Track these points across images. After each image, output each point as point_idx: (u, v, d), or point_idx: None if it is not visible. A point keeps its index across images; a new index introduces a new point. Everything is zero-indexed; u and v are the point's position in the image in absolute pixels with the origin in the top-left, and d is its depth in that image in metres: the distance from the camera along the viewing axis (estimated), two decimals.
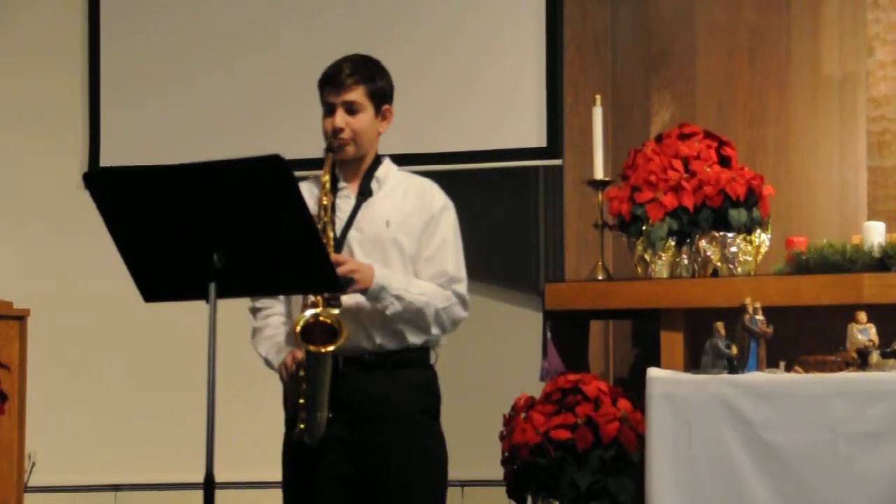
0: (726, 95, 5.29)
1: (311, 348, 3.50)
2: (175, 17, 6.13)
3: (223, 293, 3.28)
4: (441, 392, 3.75)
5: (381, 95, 3.72)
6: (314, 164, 5.69)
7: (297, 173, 3.28)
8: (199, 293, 3.29)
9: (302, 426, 3.57)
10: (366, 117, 3.69)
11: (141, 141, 6.07)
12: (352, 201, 3.71)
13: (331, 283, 3.41)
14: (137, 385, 6.14)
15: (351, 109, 3.69)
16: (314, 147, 5.74)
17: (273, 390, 6.09)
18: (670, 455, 4.20)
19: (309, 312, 3.53)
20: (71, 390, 6.10)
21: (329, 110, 3.71)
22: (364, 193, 3.71)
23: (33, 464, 5.72)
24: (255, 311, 3.79)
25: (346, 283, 3.50)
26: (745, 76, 5.28)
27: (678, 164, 4.83)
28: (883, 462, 4.05)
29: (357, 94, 3.68)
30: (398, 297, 3.57)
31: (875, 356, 4.26)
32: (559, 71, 5.54)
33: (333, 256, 3.51)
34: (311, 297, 3.55)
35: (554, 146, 5.56)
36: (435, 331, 3.66)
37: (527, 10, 5.65)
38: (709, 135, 4.94)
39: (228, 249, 3.27)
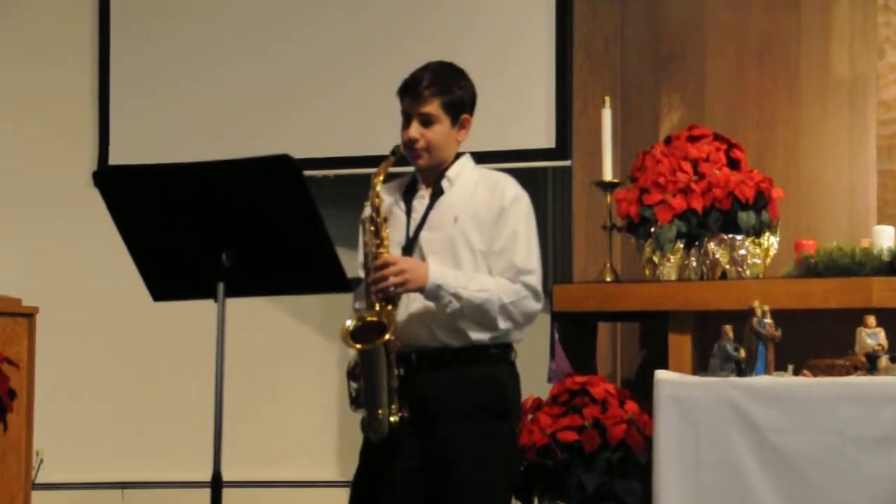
0: (736, 98, 5.29)
1: (358, 346, 3.53)
2: (184, 16, 6.14)
3: (232, 292, 3.29)
4: (520, 389, 3.78)
5: (459, 106, 3.75)
6: (324, 163, 5.74)
7: (308, 172, 3.28)
8: (207, 292, 3.29)
9: (366, 424, 3.63)
10: (441, 129, 3.72)
11: (150, 139, 6.08)
12: (426, 202, 3.74)
13: (338, 283, 3.42)
14: (145, 383, 6.15)
15: (427, 121, 3.71)
16: (324, 146, 5.78)
17: (281, 389, 6.11)
18: (677, 457, 4.20)
19: (354, 315, 3.60)
20: (79, 388, 6.11)
21: (406, 120, 3.73)
22: (436, 193, 3.75)
23: (41, 461, 5.73)
24: (357, 311, 3.82)
25: (354, 284, 3.52)
26: (755, 79, 5.27)
27: (687, 166, 4.82)
28: (891, 466, 4.04)
29: (433, 107, 3.70)
30: (456, 296, 3.59)
31: (884, 360, 4.25)
32: (568, 73, 5.54)
33: (383, 257, 3.55)
34: (372, 297, 3.60)
35: (563, 147, 5.56)
36: (504, 325, 3.66)
37: (536, 13, 5.65)
38: (718, 137, 4.94)
39: (237, 249, 3.28)
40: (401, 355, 3.62)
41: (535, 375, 4.95)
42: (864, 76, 5.14)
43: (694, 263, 4.73)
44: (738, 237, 4.69)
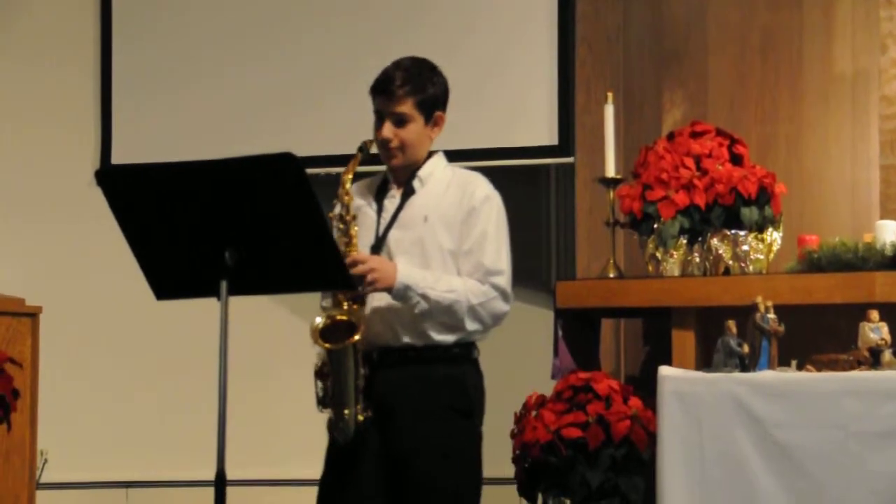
0: (738, 93, 5.29)
1: (327, 346, 3.52)
2: (187, 15, 6.14)
3: (235, 291, 3.29)
4: (483, 389, 3.74)
5: (433, 103, 3.72)
6: (326, 161, 5.74)
7: (311, 170, 3.28)
8: (210, 291, 3.29)
9: (332, 425, 3.61)
10: (415, 127, 3.69)
11: (152, 138, 6.08)
12: (397, 201, 3.72)
13: (342, 280, 3.42)
14: (149, 382, 6.15)
15: (400, 121, 3.68)
16: (326, 144, 5.78)
17: (283, 388, 6.11)
18: (681, 453, 4.19)
19: (323, 314, 3.56)
20: (83, 387, 6.11)
21: (379, 119, 3.71)
22: (407, 193, 3.72)
23: (45, 460, 5.73)
24: (324, 311, 3.80)
25: (358, 281, 3.50)
26: (758, 74, 5.27)
27: (690, 162, 4.82)
28: (894, 461, 4.04)
29: (406, 107, 3.68)
30: (424, 296, 3.56)
31: (887, 355, 4.25)
32: (571, 69, 5.54)
33: (352, 256, 3.53)
34: (339, 296, 3.57)
35: (565, 144, 5.56)
36: (471, 326, 3.63)
37: (539, 9, 5.64)
38: (721, 133, 4.94)
39: (240, 247, 3.28)
40: (365, 354, 3.59)
41: (538, 372, 4.96)
42: (867, 71, 5.14)
43: (697, 259, 4.73)
44: (741, 233, 4.69)
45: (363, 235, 3.66)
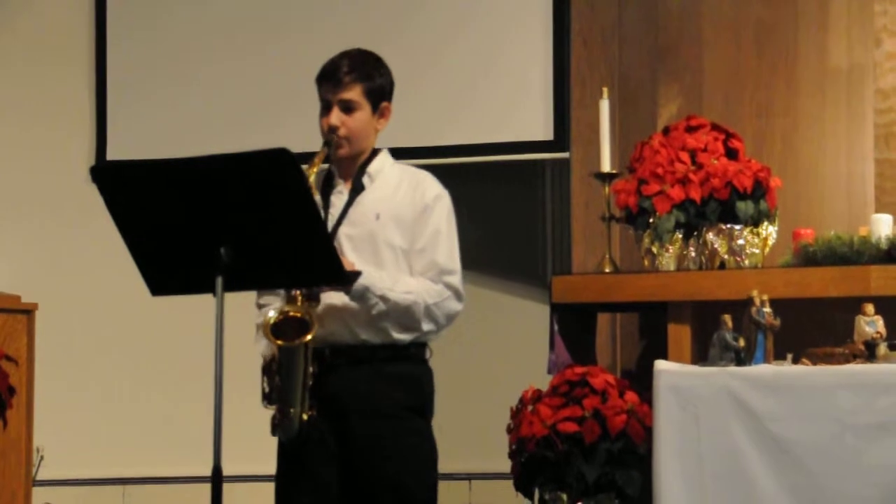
0: (733, 88, 5.29)
1: (279, 343, 3.49)
2: (181, 13, 6.14)
3: (230, 287, 3.29)
4: (434, 388, 3.70)
5: (380, 93, 3.68)
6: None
7: (305, 167, 3.28)
8: (206, 286, 3.29)
9: (276, 422, 3.55)
10: (362, 116, 3.66)
11: (147, 135, 6.08)
12: (344, 197, 3.68)
13: (338, 276, 3.41)
14: (145, 379, 6.15)
15: (347, 108, 3.65)
16: (320, 141, 5.77)
17: None
18: (677, 447, 4.20)
19: (276, 309, 3.52)
20: (79, 384, 6.11)
21: (326, 107, 3.68)
22: (356, 189, 3.68)
23: (41, 457, 5.73)
24: (259, 308, 3.76)
25: (353, 277, 3.49)
26: (752, 68, 5.27)
27: (685, 156, 4.82)
28: (890, 454, 4.04)
29: (354, 93, 3.65)
30: (383, 298, 3.53)
31: (882, 348, 4.25)
32: (566, 64, 5.54)
33: None
34: (293, 292, 3.53)
35: (561, 139, 5.56)
36: (427, 327, 3.61)
37: (534, 4, 5.64)
38: (716, 127, 4.94)
39: (235, 243, 3.28)
40: (315, 351, 3.54)
41: (534, 366, 4.97)
42: (862, 65, 5.14)
43: (693, 253, 4.73)
44: (737, 227, 4.69)
45: None
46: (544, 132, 5.61)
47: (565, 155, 5.54)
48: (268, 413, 6.16)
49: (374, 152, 3.73)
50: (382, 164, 3.72)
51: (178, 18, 6.13)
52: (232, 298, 3.31)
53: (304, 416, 3.53)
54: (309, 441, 3.56)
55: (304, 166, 3.59)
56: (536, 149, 5.65)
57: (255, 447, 5.89)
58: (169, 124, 6.07)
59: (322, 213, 3.63)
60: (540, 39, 5.63)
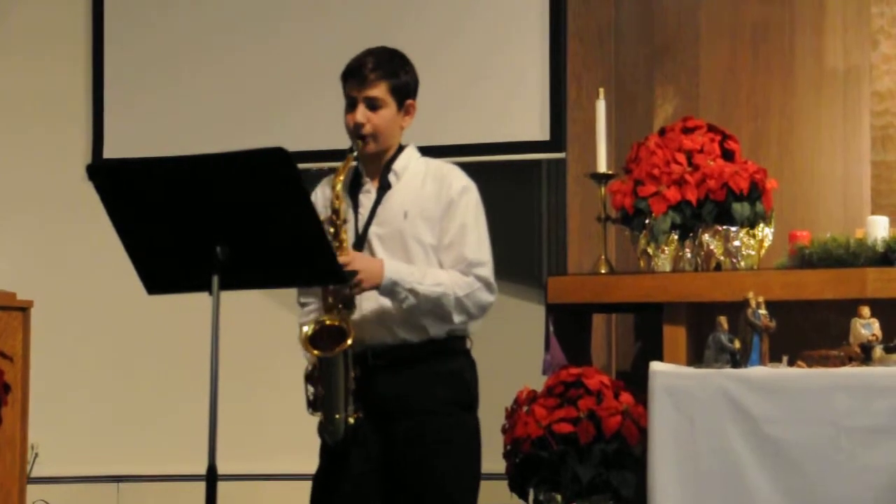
0: (730, 89, 5.29)
1: (317, 353, 3.52)
2: (179, 10, 6.14)
3: (226, 285, 3.28)
4: (478, 378, 3.73)
5: (405, 90, 3.69)
6: (317, 156, 5.73)
7: (302, 165, 3.27)
8: (202, 285, 3.29)
9: (322, 428, 3.61)
10: (387, 113, 3.66)
11: (144, 133, 6.07)
12: (373, 196, 3.70)
13: (334, 274, 3.41)
14: (140, 377, 6.15)
15: (373, 105, 3.65)
16: (317, 140, 5.78)
17: (274, 382, 6.11)
18: (672, 449, 4.20)
19: (312, 321, 3.57)
20: (74, 382, 6.11)
21: (351, 104, 3.68)
22: (383, 187, 3.70)
23: (36, 455, 5.73)
24: (301, 307, 3.79)
25: (349, 276, 3.50)
26: (749, 70, 5.28)
27: (681, 157, 4.82)
28: (885, 457, 4.05)
29: (379, 90, 3.65)
30: (412, 291, 3.55)
31: (878, 351, 4.25)
32: (562, 64, 5.54)
33: (338, 258, 3.52)
34: (329, 298, 3.57)
35: (557, 139, 5.56)
36: (458, 318, 3.62)
37: (530, 3, 5.64)
38: (712, 128, 4.94)
39: (231, 242, 3.27)
40: (356, 355, 3.58)
41: (529, 367, 4.97)
42: (858, 67, 5.14)
43: (688, 255, 4.73)
44: (733, 228, 4.69)
45: None
46: (540, 132, 5.62)
47: (561, 155, 5.55)
48: (262, 413, 6.19)
49: (400, 148, 3.74)
50: (408, 161, 3.73)
51: (175, 16, 6.13)
52: (228, 297, 3.30)
53: (350, 420, 3.57)
54: (352, 442, 3.59)
55: (333, 165, 3.60)
56: (532, 149, 5.66)
57: (250, 446, 5.91)
58: (166, 122, 6.07)
59: (351, 214, 3.67)
60: (536, 40, 5.63)
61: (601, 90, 5.05)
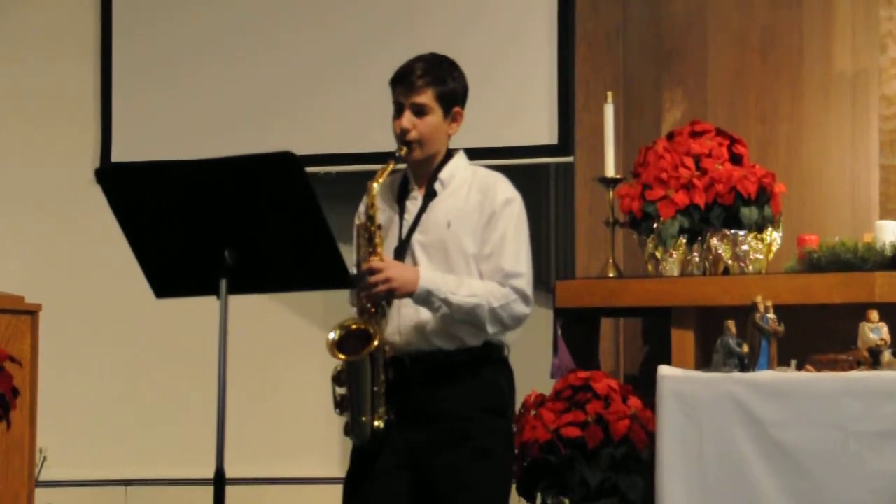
0: (738, 93, 5.29)
1: (343, 357, 3.53)
2: (188, 11, 6.14)
3: (234, 289, 3.29)
4: (514, 386, 3.73)
5: (452, 97, 3.69)
6: (327, 159, 5.75)
7: (311, 169, 3.28)
8: (210, 289, 3.29)
9: (348, 428, 3.63)
10: (434, 120, 3.67)
11: (152, 136, 6.08)
12: (419, 203, 3.71)
13: (341, 279, 3.41)
14: (148, 380, 6.15)
15: (419, 111, 3.65)
16: (327, 142, 5.78)
17: (282, 386, 6.12)
18: (680, 453, 4.20)
19: (337, 325, 3.58)
20: (82, 385, 6.11)
21: (398, 110, 3.68)
22: (429, 195, 3.71)
23: (44, 458, 5.73)
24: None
25: (356, 280, 3.50)
26: (757, 73, 5.27)
27: (690, 161, 4.82)
28: (893, 461, 4.04)
29: (426, 97, 3.65)
30: (446, 301, 3.56)
31: (887, 355, 4.25)
32: (571, 68, 5.54)
33: (370, 263, 3.53)
34: (363, 302, 3.59)
35: (565, 143, 5.56)
36: (492, 329, 3.62)
37: (539, 8, 5.65)
38: (720, 132, 4.94)
39: (240, 245, 3.28)
40: (394, 360, 3.61)
41: (537, 371, 4.96)
42: (867, 71, 5.14)
43: (696, 259, 4.73)
44: (741, 232, 4.69)
45: (386, 238, 3.66)
46: (549, 136, 5.62)
47: (569, 159, 5.55)
48: (270, 416, 6.19)
49: (449, 155, 3.75)
50: (455, 169, 3.74)
51: (184, 18, 6.14)
52: (236, 301, 3.30)
53: (378, 423, 3.58)
54: (384, 446, 3.60)
55: (375, 167, 3.61)
56: (541, 153, 5.66)
57: (258, 449, 5.91)
58: (174, 125, 6.07)
59: (398, 220, 3.69)
60: (545, 44, 5.63)
61: (609, 94, 5.05)
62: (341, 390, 3.63)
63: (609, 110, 4.99)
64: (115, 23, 6.21)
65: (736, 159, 4.87)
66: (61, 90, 6.25)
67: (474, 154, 5.60)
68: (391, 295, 3.56)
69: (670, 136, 4.96)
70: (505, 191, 3.71)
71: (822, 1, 5.21)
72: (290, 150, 3.23)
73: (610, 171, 4.95)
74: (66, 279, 6.08)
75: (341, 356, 3.55)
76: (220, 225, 3.28)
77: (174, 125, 6.07)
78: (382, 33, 5.75)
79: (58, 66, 6.25)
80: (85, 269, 6.14)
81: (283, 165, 3.23)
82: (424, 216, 3.68)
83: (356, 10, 5.89)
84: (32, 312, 5.07)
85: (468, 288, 3.59)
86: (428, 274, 3.58)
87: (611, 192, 4.95)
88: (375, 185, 3.60)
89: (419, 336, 3.63)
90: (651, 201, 4.77)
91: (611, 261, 4.93)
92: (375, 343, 3.53)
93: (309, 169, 3.29)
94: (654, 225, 4.76)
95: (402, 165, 3.76)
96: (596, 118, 5.23)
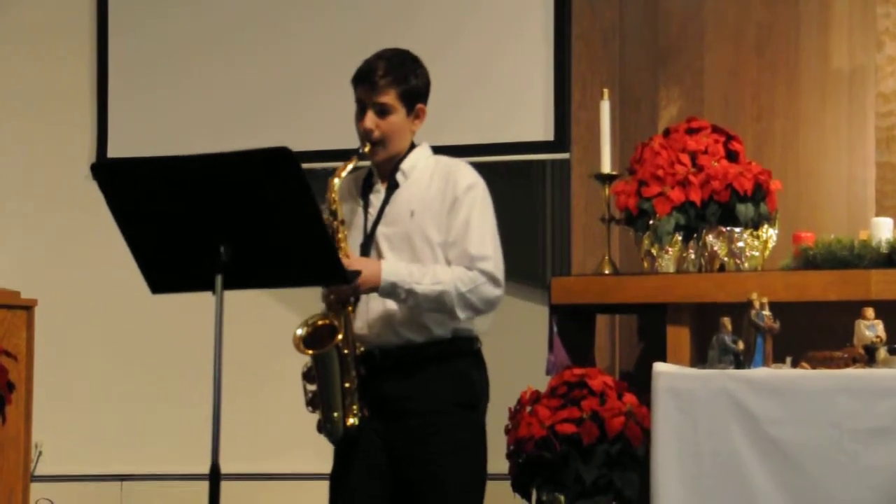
0: (734, 90, 5.29)
1: (309, 352, 3.53)
2: (184, 7, 6.14)
3: (230, 285, 3.29)
4: (487, 379, 3.73)
5: (415, 95, 3.69)
6: (323, 155, 5.74)
7: (307, 165, 3.28)
8: (205, 285, 3.29)
9: (321, 426, 3.63)
10: (397, 119, 3.66)
11: (149, 132, 6.08)
12: (382, 196, 3.71)
13: (337, 275, 3.41)
14: (144, 376, 6.15)
15: (382, 111, 3.65)
16: (323, 139, 5.78)
17: (278, 382, 6.12)
18: (676, 450, 4.19)
19: (304, 323, 3.58)
20: (78, 380, 6.11)
21: (361, 110, 3.68)
22: (392, 187, 3.71)
23: (40, 453, 5.73)
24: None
25: (352, 276, 3.50)
26: (753, 70, 5.27)
27: (686, 158, 4.82)
28: (889, 458, 4.04)
29: (389, 97, 3.65)
30: (411, 291, 3.55)
31: (882, 352, 4.25)
32: (567, 65, 5.54)
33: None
34: (331, 298, 3.59)
35: (561, 140, 5.56)
36: (464, 314, 3.61)
37: (534, 5, 5.65)
38: (716, 129, 4.94)
39: (235, 241, 3.28)
40: (364, 355, 3.60)
41: (533, 367, 4.97)
42: (863, 68, 5.14)
43: (692, 256, 4.73)
44: (737, 229, 4.69)
45: (352, 232, 3.67)
46: (545, 133, 5.62)
47: (565, 156, 5.55)
48: (266, 412, 6.19)
49: (412, 148, 3.74)
50: (416, 160, 3.73)
51: (179, 14, 6.14)
52: (231, 296, 3.30)
53: (350, 420, 3.59)
54: (359, 443, 3.60)
55: (337, 165, 3.61)
56: (537, 149, 5.66)
57: (253, 445, 5.92)
58: (170, 121, 6.07)
59: (362, 213, 3.69)
60: (541, 40, 5.63)
61: (605, 91, 5.05)
62: (312, 387, 3.62)
63: (605, 107, 4.99)
64: (112, 20, 6.21)
65: (732, 156, 4.88)
66: (58, 87, 6.24)
67: (471, 150, 5.64)
68: (357, 291, 3.55)
69: (666, 133, 4.97)
70: (466, 176, 3.70)
71: None
72: (286, 145, 3.23)
73: (606, 167, 4.95)
74: (61, 274, 6.08)
75: (308, 351, 3.54)
76: (215, 220, 3.28)
77: (171, 122, 6.07)
78: (380, 31, 5.74)
79: (54, 62, 6.25)
80: (81, 264, 6.14)
81: (279, 161, 3.23)
82: (388, 208, 3.68)
83: (353, 8, 5.88)
84: (28, 307, 5.07)
85: (433, 276, 3.58)
86: (390, 266, 3.56)
87: (607, 189, 4.95)
88: (336, 180, 3.59)
89: (388, 328, 3.62)
90: (647, 198, 4.77)
91: (607, 257, 4.93)
92: (339, 337, 3.52)
93: (305, 165, 3.29)
94: (650, 222, 4.76)
95: (366, 163, 3.74)
96: (592, 115, 5.23)
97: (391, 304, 3.61)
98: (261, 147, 3.25)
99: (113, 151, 6.16)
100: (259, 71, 5.99)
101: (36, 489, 5.34)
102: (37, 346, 5.09)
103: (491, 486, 4.82)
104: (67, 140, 6.23)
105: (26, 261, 6.06)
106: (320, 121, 5.86)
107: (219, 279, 3.27)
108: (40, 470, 5.74)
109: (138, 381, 6.14)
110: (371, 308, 3.63)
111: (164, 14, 6.15)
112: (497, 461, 4.73)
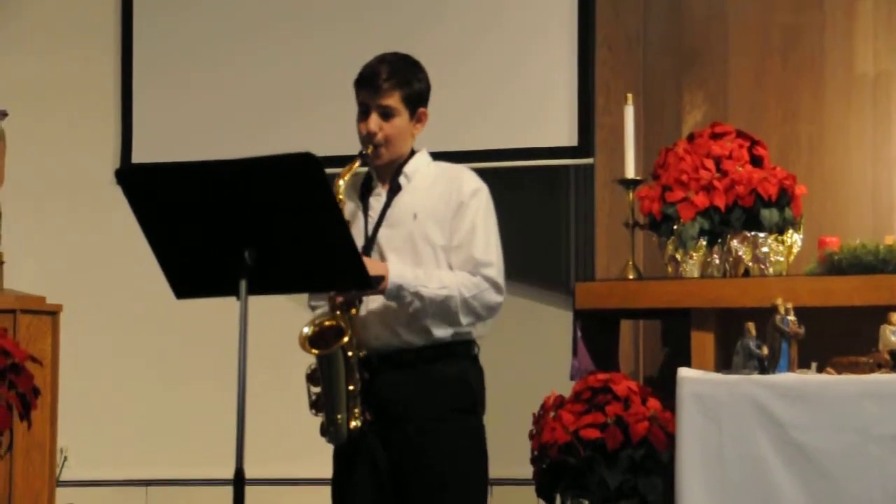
0: (759, 94, 5.28)
1: (315, 352, 3.53)
2: (207, 8, 6.16)
3: (255, 290, 3.29)
4: (484, 384, 3.72)
5: (417, 99, 3.69)
6: (347, 160, 5.73)
7: (329, 170, 3.28)
8: (230, 290, 3.30)
9: (324, 429, 3.62)
10: (400, 122, 3.67)
11: (173, 136, 6.10)
12: (383, 199, 3.70)
13: (361, 280, 3.41)
14: (169, 380, 6.17)
15: (385, 114, 3.65)
16: (346, 143, 5.77)
17: (303, 387, 6.11)
18: (700, 455, 4.19)
19: (311, 322, 3.57)
20: (103, 385, 6.13)
21: (364, 112, 3.69)
22: (394, 190, 3.70)
23: (65, 458, 5.76)
24: (312, 310, 3.79)
25: (377, 282, 3.50)
26: (778, 75, 5.26)
27: (710, 163, 4.81)
28: None
29: (392, 100, 3.65)
30: (417, 294, 3.54)
31: None
32: (591, 70, 5.54)
33: None
34: (334, 300, 3.58)
35: (585, 145, 5.56)
36: (466, 320, 3.61)
37: (559, 10, 5.65)
38: (741, 134, 4.93)
39: (260, 246, 3.28)
40: (364, 359, 3.59)
41: (557, 373, 4.96)
42: (888, 72, 5.13)
43: (716, 261, 4.72)
44: (761, 234, 4.68)
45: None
46: (569, 138, 5.62)
47: (590, 161, 5.54)
48: (290, 417, 6.18)
49: (412, 154, 3.75)
50: (419, 164, 3.73)
51: (202, 18, 6.16)
52: (256, 300, 3.31)
53: (353, 423, 3.57)
54: (361, 446, 3.60)
55: (338, 171, 3.61)
56: (561, 155, 5.66)
57: (277, 450, 5.92)
58: (194, 125, 6.09)
59: (362, 216, 3.68)
60: (565, 46, 5.63)
61: (629, 96, 5.04)
62: (316, 389, 3.62)
63: (629, 112, 4.99)
64: (136, 23, 6.24)
65: (756, 161, 4.86)
66: (82, 88, 6.27)
67: (495, 155, 5.65)
68: (362, 293, 3.55)
69: (690, 138, 4.96)
70: (471, 181, 3.70)
71: (843, 2, 5.20)
72: (310, 150, 3.24)
73: (630, 172, 4.95)
74: (87, 280, 6.11)
75: (314, 351, 3.53)
76: (239, 225, 3.28)
77: (195, 126, 6.08)
78: (403, 36, 5.75)
79: (78, 64, 6.27)
80: (106, 269, 6.16)
81: (303, 166, 3.23)
82: (389, 211, 3.67)
83: (375, 11, 5.89)
84: (53, 313, 5.09)
85: (438, 280, 3.57)
86: (397, 269, 3.55)
87: (631, 194, 4.95)
88: (341, 181, 3.58)
89: (388, 331, 3.61)
90: (671, 203, 4.76)
91: (630, 262, 4.92)
92: (346, 338, 3.52)
93: (329, 170, 3.29)
94: (674, 227, 4.75)
95: (365, 168, 3.74)
96: (616, 120, 5.22)
97: (390, 306, 3.59)
98: (285, 151, 3.26)
99: (137, 155, 6.17)
100: (284, 73, 6.00)
101: (61, 494, 5.36)
102: (62, 352, 5.11)
103: (515, 492, 4.83)
104: (91, 142, 6.25)
105: (52, 266, 6.09)
106: (346, 124, 5.82)
107: (243, 284, 3.27)
108: (66, 475, 5.76)
109: (163, 385, 6.16)
110: (370, 309, 3.62)
111: (188, 14, 6.16)
112: (521, 466, 4.73)
